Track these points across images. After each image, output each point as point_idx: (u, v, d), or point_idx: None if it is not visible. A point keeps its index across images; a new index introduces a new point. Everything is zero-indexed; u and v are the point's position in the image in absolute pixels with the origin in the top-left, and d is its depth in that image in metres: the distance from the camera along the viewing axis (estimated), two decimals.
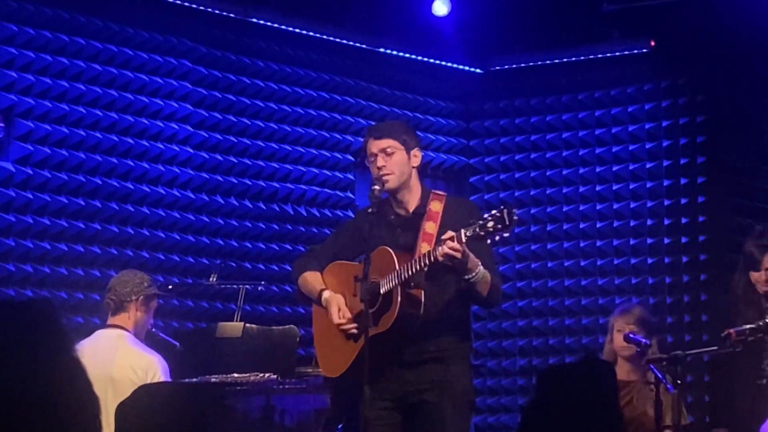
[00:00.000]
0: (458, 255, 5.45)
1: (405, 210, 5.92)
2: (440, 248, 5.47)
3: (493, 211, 5.47)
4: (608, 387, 3.15)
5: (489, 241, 5.49)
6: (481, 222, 5.44)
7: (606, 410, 3.09)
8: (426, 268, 5.59)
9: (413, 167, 5.93)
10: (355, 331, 5.80)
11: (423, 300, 5.66)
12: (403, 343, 5.74)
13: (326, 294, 5.95)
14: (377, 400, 5.68)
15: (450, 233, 5.47)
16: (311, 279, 6.09)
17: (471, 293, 5.77)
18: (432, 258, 5.52)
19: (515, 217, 5.41)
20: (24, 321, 2.12)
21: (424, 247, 5.70)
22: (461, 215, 5.77)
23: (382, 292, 5.65)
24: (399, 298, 5.60)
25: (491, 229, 5.41)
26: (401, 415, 5.82)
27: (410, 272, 5.59)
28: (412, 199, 5.92)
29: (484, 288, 5.73)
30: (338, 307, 5.86)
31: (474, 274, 5.63)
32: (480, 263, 5.64)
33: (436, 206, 5.86)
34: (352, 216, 7.83)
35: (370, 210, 5.71)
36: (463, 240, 5.44)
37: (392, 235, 5.84)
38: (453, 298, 5.82)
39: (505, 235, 5.49)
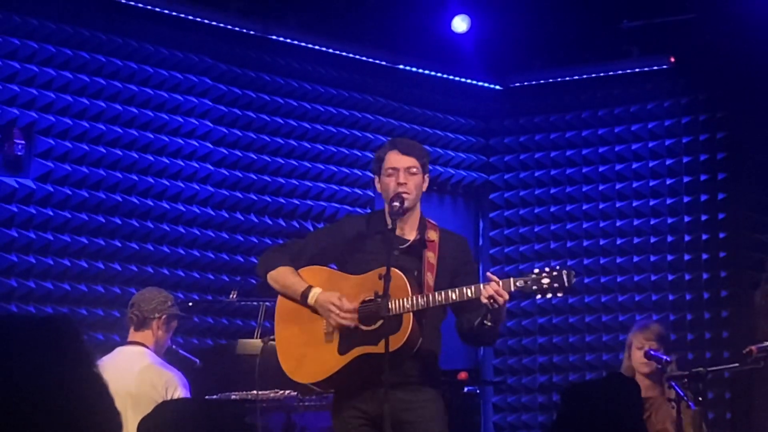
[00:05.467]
0: (501, 301, 5.40)
1: (403, 232, 5.80)
2: (486, 290, 5.38)
3: (548, 269, 5.49)
4: (634, 404, 3.14)
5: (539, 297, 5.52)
6: (534, 276, 5.47)
7: (632, 427, 3.07)
8: (448, 303, 5.55)
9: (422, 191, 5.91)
10: (353, 324, 5.59)
11: (424, 329, 5.62)
12: (390, 365, 5.48)
13: (316, 291, 5.66)
14: (354, 418, 5.62)
15: (495, 278, 5.42)
16: (290, 275, 5.75)
17: (483, 333, 5.65)
18: (466, 296, 5.44)
19: (574, 281, 5.45)
20: (46, 336, 2.12)
21: (428, 278, 5.65)
22: (454, 249, 5.79)
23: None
24: (411, 325, 5.52)
25: (545, 287, 5.46)
26: None
27: (430, 303, 5.51)
28: (412, 223, 5.81)
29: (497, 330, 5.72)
30: (339, 304, 5.62)
31: (503, 319, 5.62)
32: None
33: (432, 235, 5.79)
34: None
35: (389, 227, 5.62)
36: (512, 289, 5.43)
37: (392, 256, 5.63)
38: (438, 327, 5.78)
39: (559, 295, 5.50)
